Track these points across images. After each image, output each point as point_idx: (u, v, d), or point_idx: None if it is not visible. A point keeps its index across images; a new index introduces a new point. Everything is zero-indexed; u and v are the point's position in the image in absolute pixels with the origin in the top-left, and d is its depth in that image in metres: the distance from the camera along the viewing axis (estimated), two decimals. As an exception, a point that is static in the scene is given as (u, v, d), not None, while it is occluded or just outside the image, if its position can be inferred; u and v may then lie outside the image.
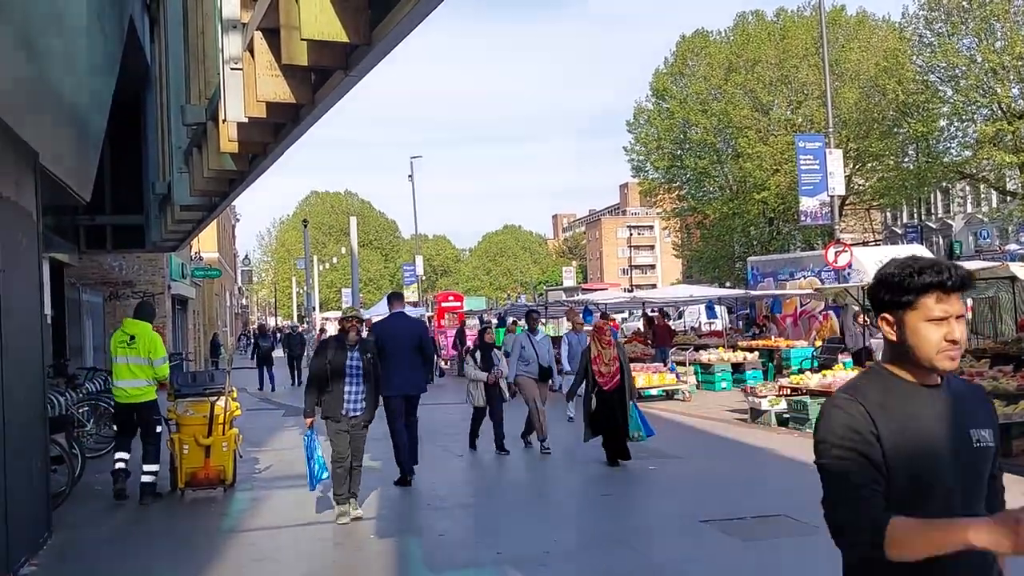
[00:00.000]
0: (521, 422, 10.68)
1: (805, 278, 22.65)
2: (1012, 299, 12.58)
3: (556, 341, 13.38)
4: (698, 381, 17.28)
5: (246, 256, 71.41)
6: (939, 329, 1.88)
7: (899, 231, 48.77)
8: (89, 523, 7.30)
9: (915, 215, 48.26)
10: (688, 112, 42.18)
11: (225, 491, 8.27)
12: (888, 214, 50.14)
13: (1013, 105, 31.26)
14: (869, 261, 20.52)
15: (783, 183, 37.65)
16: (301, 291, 62.67)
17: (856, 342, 15.44)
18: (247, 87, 5.87)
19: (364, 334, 8.31)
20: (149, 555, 6.36)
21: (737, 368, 17.69)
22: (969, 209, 46.26)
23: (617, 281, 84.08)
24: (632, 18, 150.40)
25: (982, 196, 43.42)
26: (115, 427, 9.01)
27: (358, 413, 7.15)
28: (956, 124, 34.10)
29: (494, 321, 20.38)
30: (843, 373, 12.25)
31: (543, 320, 17.87)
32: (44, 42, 6.81)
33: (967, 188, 43.13)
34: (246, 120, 6.24)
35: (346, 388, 7.08)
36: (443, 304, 29.97)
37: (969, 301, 16.64)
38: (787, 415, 11.86)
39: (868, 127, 36.44)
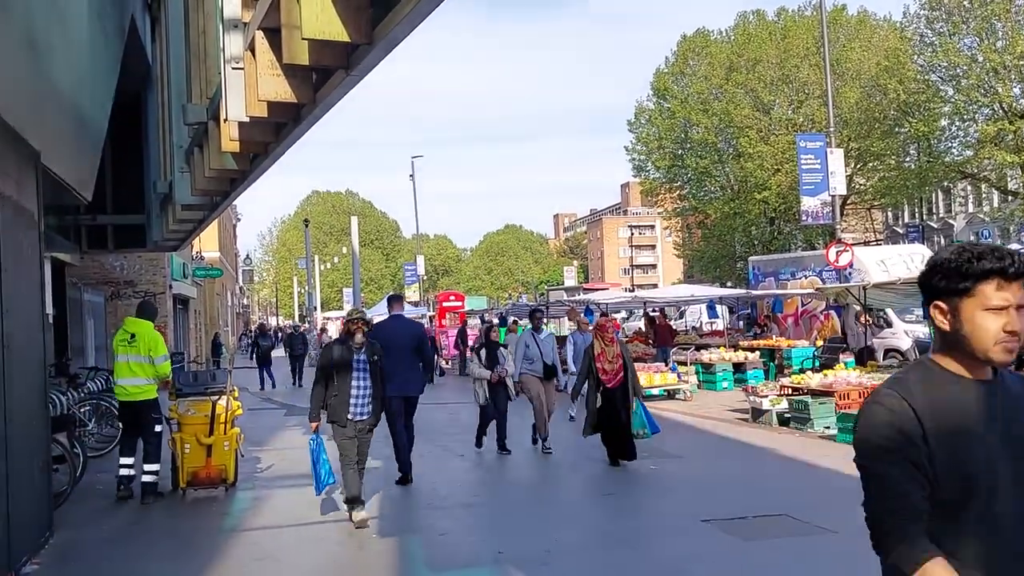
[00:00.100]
0: (528, 423, 10.63)
1: (806, 278, 22.64)
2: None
3: (561, 341, 13.37)
4: (699, 381, 17.27)
5: (247, 256, 71.53)
6: (997, 319, 1.76)
7: (900, 231, 48.73)
8: (91, 522, 7.31)
9: (916, 215, 48.20)
10: (689, 111, 42.16)
11: (227, 490, 8.28)
12: (889, 214, 50.11)
13: (1014, 104, 31.23)
14: (870, 261, 20.52)
15: (784, 183, 37.64)
16: (302, 291, 62.70)
17: (858, 341, 15.43)
18: (248, 86, 5.87)
19: None
20: (151, 554, 6.36)
21: (738, 368, 17.68)
22: (970, 209, 46.20)
23: (618, 281, 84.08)
24: (633, 18, 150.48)
25: (983, 196, 43.38)
26: (121, 426, 9.09)
27: (364, 417, 7.03)
28: (957, 124, 34.07)
29: (495, 320, 20.36)
30: (844, 373, 12.24)
31: (544, 320, 17.83)
32: (46, 42, 6.82)
33: (968, 188, 43.10)
34: (247, 119, 6.24)
35: (352, 391, 6.94)
36: (444, 304, 29.97)
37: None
38: (788, 415, 11.85)
39: (869, 126, 36.42)
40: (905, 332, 18.44)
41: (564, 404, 11.65)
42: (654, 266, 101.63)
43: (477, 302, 38.09)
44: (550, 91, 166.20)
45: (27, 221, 6.44)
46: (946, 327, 1.83)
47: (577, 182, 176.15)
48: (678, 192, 46.30)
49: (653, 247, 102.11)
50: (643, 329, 23.03)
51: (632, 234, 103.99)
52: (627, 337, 22.13)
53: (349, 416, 6.92)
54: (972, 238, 44.08)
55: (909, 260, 20.23)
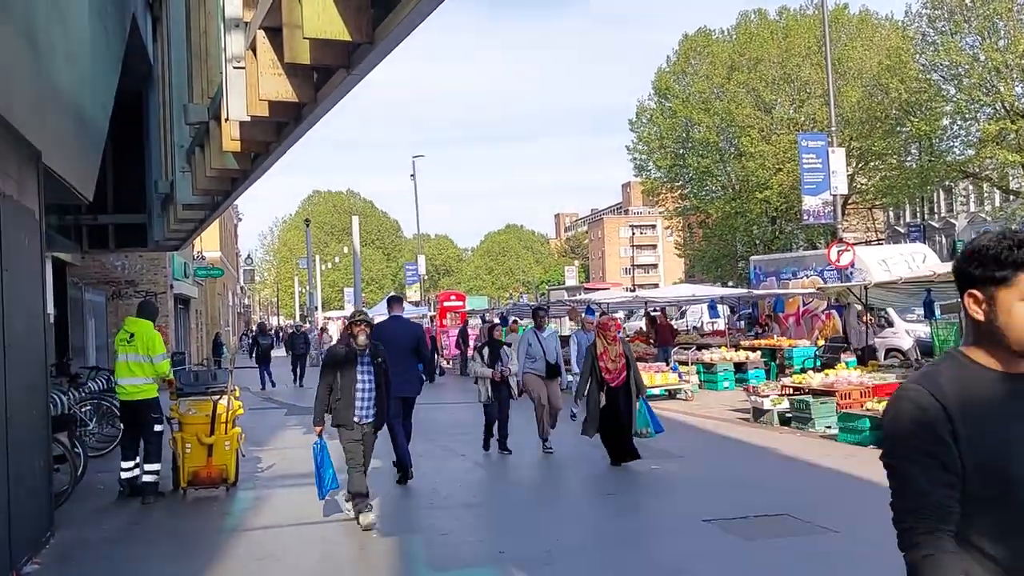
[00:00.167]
0: (530, 423, 10.59)
1: (808, 277, 22.63)
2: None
3: (564, 340, 13.34)
4: (700, 380, 17.26)
5: (248, 255, 71.59)
6: None
7: (902, 230, 48.69)
8: (91, 522, 7.31)
9: (918, 214, 48.16)
10: (691, 111, 42.15)
11: (227, 490, 8.27)
12: (891, 213, 50.06)
13: (1016, 104, 31.20)
14: (872, 260, 20.50)
15: (786, 182, 37.62)
16: (303, 290, 62.72)
17: (860, 341, 15.42)
18: (249, 86, 5.87)
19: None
20: (151, 554, 6.37)
21: (739, 367, 17.67)
22: (972, 208, 46.16)
23: (619, 280, 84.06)
24: (634, 17, 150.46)
25: (985, 195, 43.32)
26: (122, 425, 9.11)
27: (370, 419, 6.97)
28: (959, 123, 34.05)
29: (496, 320, 20.35)
30: (846, 372, 12.23)
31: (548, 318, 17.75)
32: (47, 41, 6.82)
33: (970, 187, 43.05)
34: (248, 119, 6.25)
35: (357, 394, 6.85)
36: (445, 303, 29.99)
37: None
38: (789, 414, 11.84)
39: (871, 126, 36.38)
40: (906, 331, 18.44)
41: (568, 403, 11.64)
42: (655, 266, 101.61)
43: (478, 302, 38.07)
44: (551, 91, 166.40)
45: (28, 220, 6.44)
46: (980, 318, 1.76)
47: (578, 182, 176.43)
48: (679, 191, 46.28)
49: (654, 247, 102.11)
50: (644, 329, 23.02)
51: (633, 234, 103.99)
52: (628, 337, 22.11)
53: (355, 419, 6.84)
54: (974, 237, 44.03)
55: (910, 259, 20.22)
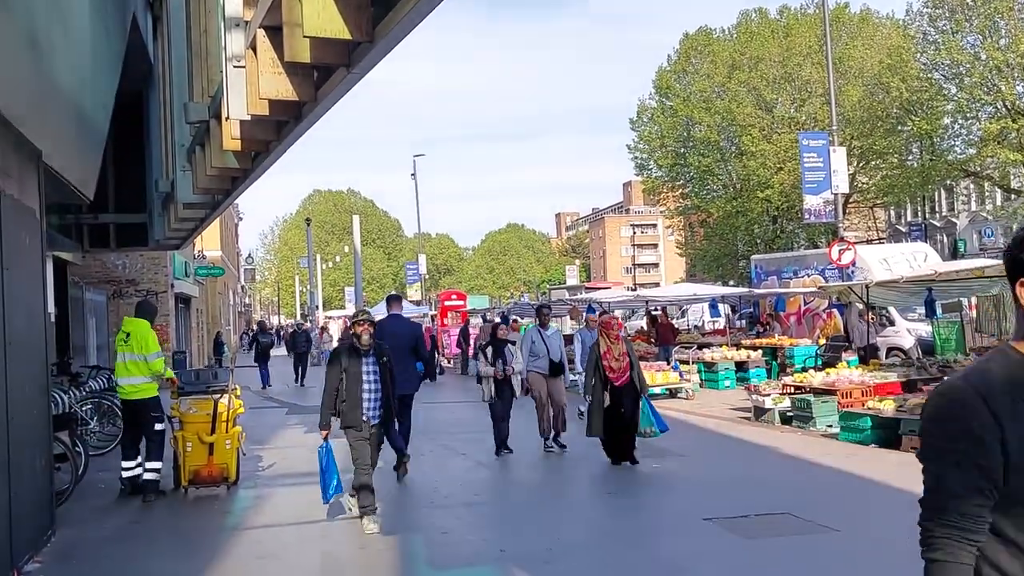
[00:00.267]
0: (533, 423, 10.55)
1: (809, 276, 22.62)
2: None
3: (568, 339, 13.31)
4: (701, 379, 17.26)
5: (249, 255, 71.65)
6: None
7: (903, 229, 48.67)
8: (93, 520, 7.31)
9: (919, 213, 48.14)
10: (691, 110, 42.14)
11: (228, 489, 8.28)
12: (892, 212, 50.04)
13: (1017, 102, 31.17)
14: (873, 259, 20.50)
15: (787, 181, 37.61)
16: (304, 290, 62.75)
17: (862, 339, 15.41)
18: (250, 84, 5.87)
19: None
20: (152, 553, 6.37)
21: (740, 366, 17.67)
22: (973, 207, 46.15)
23: (620, 280, 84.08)
24: (634, 17, 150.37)
25: (986, 194, 43.32)
26: (122, 424, 9.15)
27: (375, 420, 6.87)
28: (960, 122, 34.04)
29: (497, 319, 20.35)
30: (847, 371, 12.22)
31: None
32: (47, 40, 6.82)
33: (971, 186, 43.03)
34: (249, 118, 6.25)
35: (364, 395, 6.76)
36: (446, 303, 30.01)
37: (973, 299, 16.60)
38: (791, 413, 11.83)
39: (872, 125, 36.37)
40: (908, 330, 18.43)
41: (578, 401, 11.62)
42: (656, 265, 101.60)
43: (479, 301, 38.10)
44: (552, 90, 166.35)
45: (29, 220, 6.44)
46: None
47: (579, 181, 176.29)
48: (680, 191, 46.28)
49: (655, 246, 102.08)
50: (645, 328, 23.02)
51: (634, 233, 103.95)
52: (629, 336, 22.12)
53: (363, 419, 6.75)
54: (975, 236, 44.06)
55: (912, 258, 20.22)
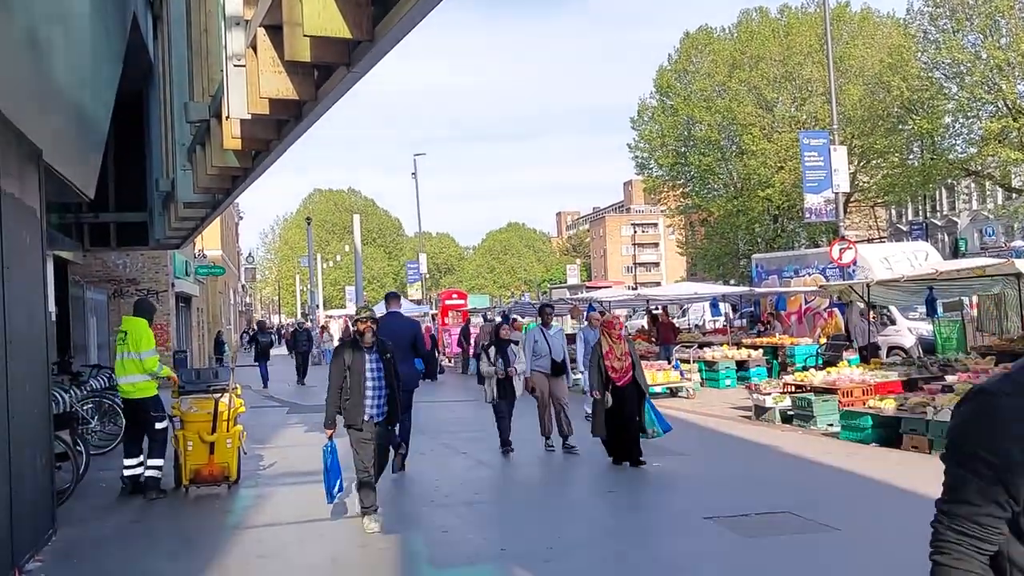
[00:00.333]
0: (534, 421, 10.50)
1: (809, 275, 22.61)
2: (1018, 296, 12.53)
3: (571, 338, 13.28)
4: (702, 379, 17.26)
5: (250, 254, 71.61)
6: None
7: (904, 228, 48.66)
8: (94, 519, 7.32)
9: (920, 212, 48.14)
10: (692, 109, 42.13)
11: (229, 488, 8.28)
12: (893, 211, 50.04)
13: (1018, 101, 31.16)
14: (874, 258, 20.49)
15: (787, 180, 37.60)
16: (305, 289, 62.78)
17: (864, 338, 15.41)
18: (250, 84, 5.87)
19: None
20: (153, 551, 6.37)
21: (741, 365, 17.67)
22: (974, 206, 46.14)
23: (621, 279, 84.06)
24: (634, 15, 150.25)
25: (987, 193, 43.31)
26: (124, 423, 9.21)
27: (381, 419, 6.75)
28: (961, 121, 34.03)
29: (498, 319, 20.35)
30: (848, 370, 12.22)
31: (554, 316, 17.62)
32: (47, 40, 6.82)
33: (972, 185, 43.03)
34: (249, 117, 6.25)
35: (368, 393, 6.65)
36: (447, 302, 30.02)
37: (974, 298, 16.59)
38: (791, 412, 11.83)
39: (873, 124, 36.36)
40: (909, 329, 18.43)
41: (579, 401, 11.60)
42: (657, 264, 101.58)
43: (480, 300, 38.11)
44: (552, 89, 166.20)
45: (29, 219, 6.44)
46: None
47: (580, 180, 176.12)
48: (681, 190, 46.28)
49: (656, 245, 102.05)
50: (646, 327, 23.01)
51: (635, 232, 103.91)
52: (630, 335, 22.11)
53: (365, 418, 6.64)
54: (976, 235, 44.05)
55: (913, 257, 20.21)
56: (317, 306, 47.14)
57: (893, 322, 18.66)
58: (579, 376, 12.80)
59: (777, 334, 20.24)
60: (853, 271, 19.45)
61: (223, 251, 39.26)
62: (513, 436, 10.19)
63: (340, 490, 6.77)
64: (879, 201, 41.84)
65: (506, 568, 5.65)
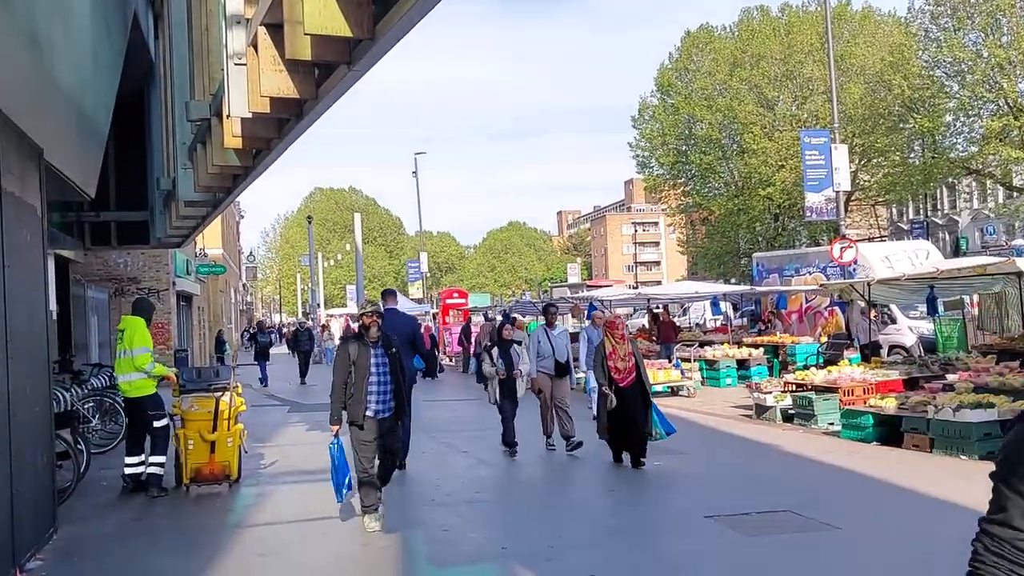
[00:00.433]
0: (534, 420, 10.46)
1: (810, 274, 22.60)
2: (1019, 295, 12.52)
3: (574, 337, 13.23)
4: (703, 377, 17.26)
5: (251, 253, 71.68)
6: None
7: (905, 227, 48.63)
8: (95, 518, 7.32)
9: (921, 211, 48.09)
10: (693, 108, 42.10)
11: (230, 487, 8.29)
12: (894, 210, 50.00)
13: (1019, 100, 31.14)
14: (875, 257, 20.48)
15: (788, 179, 37.59)
16: (306, 288, 62.80)
17: (865, 337, 15.40)
18: (251, 82, 5.88)
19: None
20: (154, 550, 6.38)
21: (742, 364, 17.66)
22: (975, 205, 46.09)
23: (622, 278, 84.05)
24: (635, 14, 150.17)
25: (988, 192, 43.26)
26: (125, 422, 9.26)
27: (388, 414, 6.64)
28: (962, 119, 33.99)
29: (499, 318, 20.35)
30: (848, 369, 12.22)
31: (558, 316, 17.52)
32: (48, 39, 6.82)
33: (973, 184, 42.98)
34: (250, 116, 6.26)
35: (372, 388, 6.52)
36: (448, 301, 30.04)
37: (975, 297, 16.58)
38: (792, 411, 11.83)
39: (874, 122, 36.34)
40: (909, 328, 18.42)
41: (580, 401, 11.57)
42: (658, 263, 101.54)
43: (481, 299, 38.16)
44: (553, 87, 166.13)
45: (30, 218, 6.44)
46: None
47: (580, 179, 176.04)
48: (682, 188, 46.27)
49: (657, 244, 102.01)
50: (647, 326, 23.02)
51: (636, 231, 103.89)
52: (631, 334, 22.08)
53: (369, 414, 6.52)
54: (977, 234, 44.02)
55: (914, 256, 20.20)
56: (318, 305, 47.14)
57: (894, 321, 18.65)
58: (580, 375, 12.78)
59: (778, 333, 20.24)
60: (854, 270, 19.44)
61: (224, 250, 39.28)
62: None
63: (349, 488, 6.66)
64: (880, 200, 41.81)
65: (507, 567, 5.65)
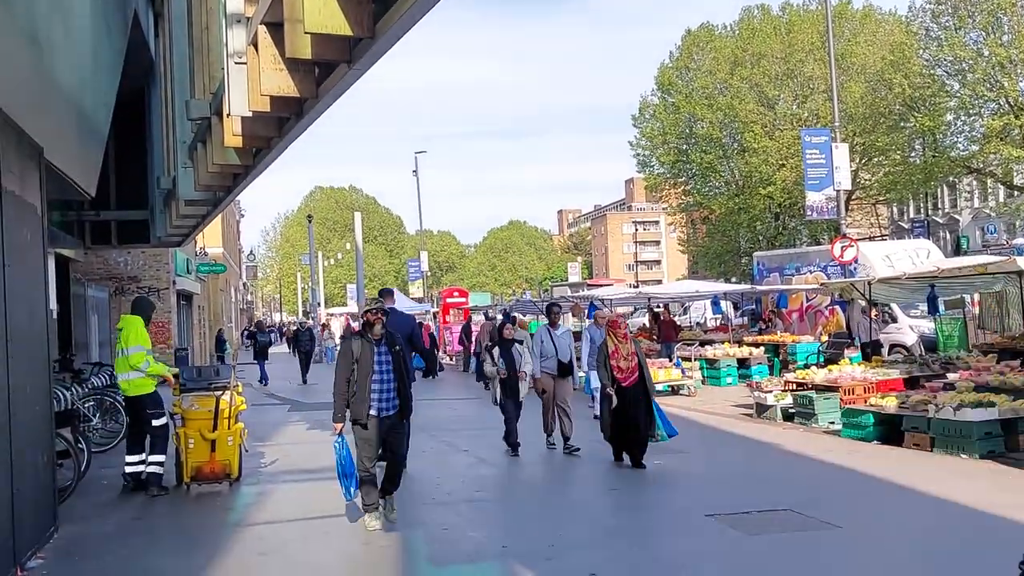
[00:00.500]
0: (535, 419, 10.42)
1: (811, 273, 22.60)
2: (1019, 293, 12.51)
3: (576, 336, 13.22)
4: (704, 376, 17.25)
5: (251, 252, 71.67)
6: None
7: (906, 226, 48.62)
8: (95, 517, 7.32)
9: (922, 210, 48.09)
10: (694, 107, 42.08)
11: (231, 485, 8.29)
12: (894, 209, 50.00)
13: (1020, 99, 31.12)
14: (875, 256, 20.47)
15: (789, 178, 37.58)
16: (306, 287, 62.80)
17: (866, 336, 15.40)
18: (251, 81, 5.88)
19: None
20: (155, 549, 6.38)
21: (743, 363, 17.66)
22: (976, 204, 46.07)
23: (623, 277, 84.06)
24: (635, 13, 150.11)
25: (989, 191, 43.23)
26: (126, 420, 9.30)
27: (391, 412, 6.58)
28: (963, 118, 33.98)
29: (499, 317, 20.35)
30: (849, 368, 12.21)
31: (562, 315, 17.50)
32: (48, 37, 6.82)
33: (974, 182, 42.95)
34: (250, 114, 6.26)
35: (375, 387, 6.46)
36: (448, 300, 30.03)
37: (976, 296, 16.58)
38: (793, 410, 11.83)
39: (874, 121, 36.32)
40: (910, 327, 18.42)
41: (581, 401, 11.55)
42: (658, 262, 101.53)
43: (481, 298, 38.17)
44: (554, 86, 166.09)
45: (30, 217, 6.44)
46: None
47: (581, 178, 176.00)
48: (682, 187, 46.25)
49: (657, 243, 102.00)
50: (647, 325, 23.02)
51: (636, 230, 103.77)
52: (632, 334, 22.07)
53: (372, 413, 6.45)
54: (978, 233, 44.00)
55: (914, 255, 20.19)
56: (318, 304, 47.16)
57: (895, 320, 18.65)
58: (580, 375, 12.75)
59: (778, 332, 20.24)
60: (855, 269, 19.43)
61: (224, 249, 39.28)
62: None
63: (357, 487, 6.60)
64: (881, 199, 41.79)
65: (507, 566, 5.65)
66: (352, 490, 6.61)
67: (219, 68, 7.11)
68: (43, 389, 6.65)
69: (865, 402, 10.51)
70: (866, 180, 39.75)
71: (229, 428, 8.17)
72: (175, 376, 8.81)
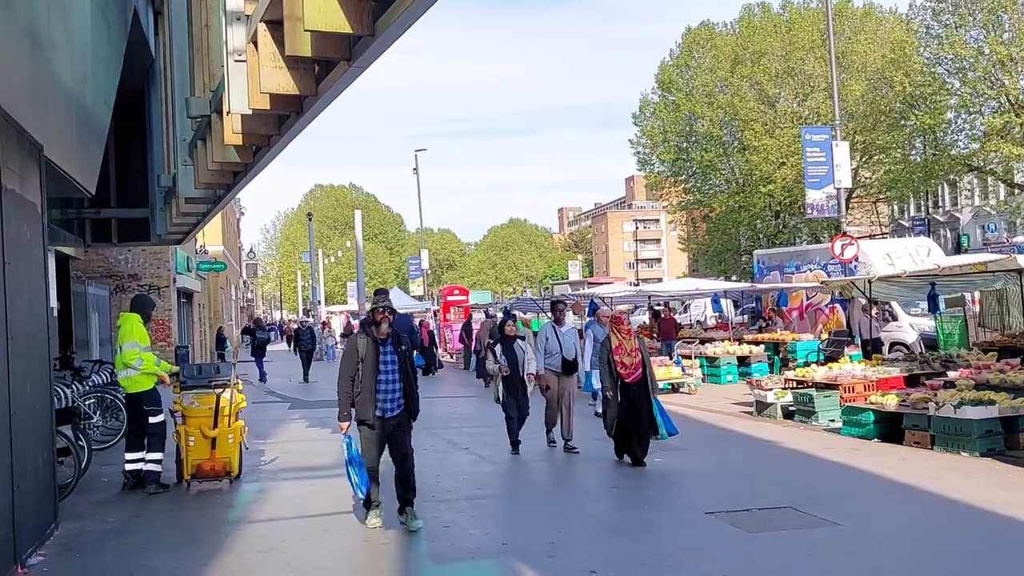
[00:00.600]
0: (538, 419, 10.35)
1: (811, 271, 22.59)
2: (1020, 292, 12.50)
3: (579, 333, 13.17)
4: (704, 374, 17.25)
5: (251, 250, 71.61)
6: None
7: (906, 224, 48.60)
8: (96, 514, 7.33)
9: (922, 208, 48.07)
10: (694, 105, 42.05)
11: (231, 483, 8.30)
12: (895, 207, 49.96)
13: (1021, 97, 31.09)
14: (876, 254, 20.47)
15: (789, 176, 37.54)
16: (306, 285, 62.82)
17: (867, 334, 15.40)
18: (251, 79, 5.88)
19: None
20: (155, 546, 6.38)
21: (743, 361, 17.67)
22: (976, 202, 46.03)
23: (623, 275, 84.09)
24: (636, 11, 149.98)
25: (990, 189, 43.19)
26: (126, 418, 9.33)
27: (396, 412, 6.52)
28: (964, 116, 33.93)
29: (499, 315, 20.35)
30: (849, 366, 12.22)
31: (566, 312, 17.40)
32: (48, 35, 6.82)
33: (974, 181, 42.90)
34: (250, 112, 6.26)
35: (381, 387, 6.41)
36: (449, 298, 30.06)
37: (976, 294, 16.58)
38: (793, 408, 11.83)
39: (875, 119, 36.28)
40: (910, 325, 18.42)
41: (583, 398, 11.54)
42: (659, 260, 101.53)
43: (482, 296, 38.17)
44: (554, 84, 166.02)
45: (30, 214, 6.44)
46: None
47: (581, 176, 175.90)
48: (683, 185, 46.23)
49: (658, 241, 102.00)
50: (648, 323, 23.02)
51: (637, 228, 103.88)
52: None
53: (377, 413, 6.41)
54: (979, 231, 43.99)
55: (915, 253, 20.19)
56: (319, 302, 47.16)
57: (895, 318, 18.65)
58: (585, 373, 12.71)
59: (779, 330, 20.24)
60: (855, 267, 19.43)
61: (224, 247, 39.29)
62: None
63: (367, 485, 6.56)
64: (881, 197, 41.76)
65: (508, 563, 5.65)
66: (363, 488, 6.58)
67: (219, 66, 7.11)
68: (43, 387, 6.66)
69: (865, 400, 10.52)
70: (866, 178, 39.72)
71: (229, 426, 8.19)
72: (175, 374, 8.81)
